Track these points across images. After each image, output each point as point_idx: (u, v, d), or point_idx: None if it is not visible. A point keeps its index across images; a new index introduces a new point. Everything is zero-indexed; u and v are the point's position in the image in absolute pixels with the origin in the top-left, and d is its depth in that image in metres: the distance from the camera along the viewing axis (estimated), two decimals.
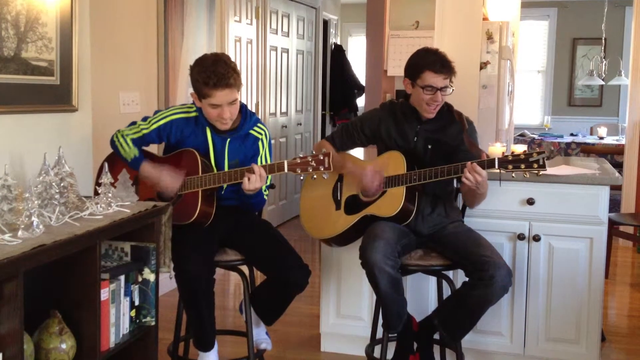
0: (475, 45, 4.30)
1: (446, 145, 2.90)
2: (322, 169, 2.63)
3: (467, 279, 2.76)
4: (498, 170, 2.65)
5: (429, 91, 2.82)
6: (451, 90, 2.85)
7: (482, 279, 2.66)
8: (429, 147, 2.92)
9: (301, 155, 2.66)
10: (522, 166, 2.59)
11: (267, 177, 2.90)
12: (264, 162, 2.94)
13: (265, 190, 2.96)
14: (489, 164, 2.65)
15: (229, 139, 2.88)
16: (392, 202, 2.83)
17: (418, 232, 2.91)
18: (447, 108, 2.95)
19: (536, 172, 2.59)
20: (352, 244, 3.03)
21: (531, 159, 2.58)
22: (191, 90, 2.81)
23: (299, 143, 7.17)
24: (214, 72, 2.67)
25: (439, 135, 2.93)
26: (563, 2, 9.68)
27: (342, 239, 3.02)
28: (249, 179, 2.67)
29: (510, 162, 2.61)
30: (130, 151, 2.85)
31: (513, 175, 2.65)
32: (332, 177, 3.04)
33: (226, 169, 2.87)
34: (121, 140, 2.88)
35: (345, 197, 3.00)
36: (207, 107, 2.76)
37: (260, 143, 2.95)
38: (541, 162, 2.57)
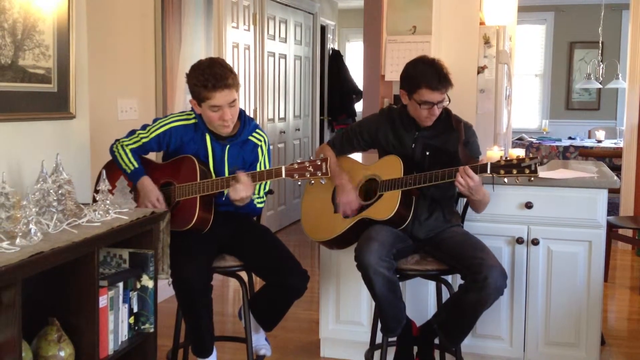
0: (473, 49, 4.31)
1: (444, 153, 2.90)
2: (319, 175, 2.63)
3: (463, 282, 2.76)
4: (490, 175, 2.66)
5: (426, 107, 2.81)
6: (447, 102, 2.84)
7: (476, 281, 2.66)
8: (427, 153, 2.92)
9: (299, 161, 2.66)
10: (514, 171, 2.60)
11: (266, 182, 2.90)
12: (262, 169, 2.94)
13: (262, 197, 2.96)
14: (481, 168, 2.66)
15: (228, 145, 2.88)
16: (387, 206, 2.84)
17: (415, 236, 2.91)
18: (445, 114, 2.94)
19: (528, 177, 2.59)
20: (350, 248, 3.03)
21: (523, 164, 2.58)
22: (189, 97, 2.82)
23: (298, 148, 7.17)
24: (212, 74, 2.68)
25: (436, 142, 2.92)
26: (560, 6, 9.70)
27: (339, 242, 3.03)
28: (234, 188, 2.67)
29: (502, 167, 2.62)
30: (130, 163, 2.86)
31: (505, 180, 2.65)
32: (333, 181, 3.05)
33: (226, 175, 2.86)
34: (121, 151, 2.88)
35: None
36: (207, 111, 2.76)
37: (259, 149, 2.95)
38: (533, 168, 2.57)
